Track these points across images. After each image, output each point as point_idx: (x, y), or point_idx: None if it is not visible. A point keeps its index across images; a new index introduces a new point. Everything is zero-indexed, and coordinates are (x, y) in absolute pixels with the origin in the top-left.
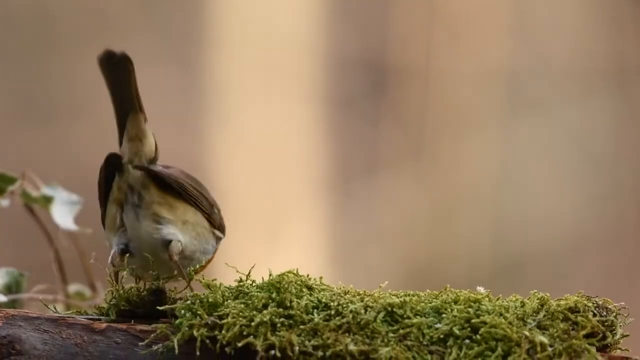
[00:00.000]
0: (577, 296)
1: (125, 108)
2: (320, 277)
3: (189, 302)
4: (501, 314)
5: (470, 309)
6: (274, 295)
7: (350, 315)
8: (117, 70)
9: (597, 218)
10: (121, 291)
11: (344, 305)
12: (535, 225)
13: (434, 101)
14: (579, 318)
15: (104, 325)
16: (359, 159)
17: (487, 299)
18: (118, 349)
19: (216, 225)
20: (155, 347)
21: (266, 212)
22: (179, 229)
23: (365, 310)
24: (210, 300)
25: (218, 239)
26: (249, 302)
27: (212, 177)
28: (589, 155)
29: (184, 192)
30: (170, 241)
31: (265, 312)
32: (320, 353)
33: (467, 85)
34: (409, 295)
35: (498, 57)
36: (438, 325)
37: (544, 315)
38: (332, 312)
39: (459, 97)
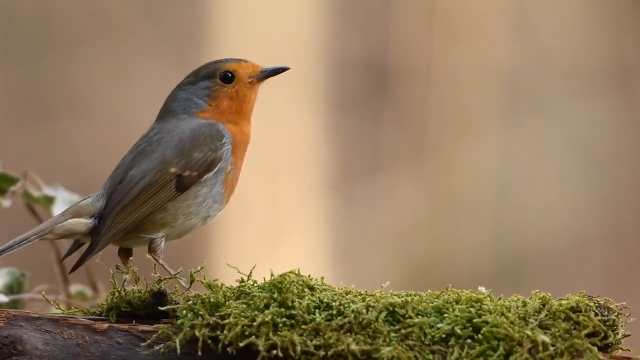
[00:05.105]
0: (579, 296)
1: None
2: (322, 277)
3: (190, 302)
4: (503, 314)
5: (472, 309)
6: (275, 295)
7: (352, 315)
8: None
9: (598, 218)
10: (122, 293)
11: (346, 305)
12: (536, 225)
13: (436, 102)
14: (581, 317)
15: (105, 325)
16: (360, 160)
17: (488, 298)
18: (120, 350)
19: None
20: (156, 348)
21: (268, 212)
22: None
23: (367, 310)
24: (212, 300)
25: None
26: (251, 302)
27: None
28: (590, 156)
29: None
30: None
31: (267, 312)
32: (322, 353)
33: (469, 86)
34: (410, 295)
35: (499, 58)
36: (440, 325)
37: (546, 315)
38: (334, 312)
39: (461, 98)
